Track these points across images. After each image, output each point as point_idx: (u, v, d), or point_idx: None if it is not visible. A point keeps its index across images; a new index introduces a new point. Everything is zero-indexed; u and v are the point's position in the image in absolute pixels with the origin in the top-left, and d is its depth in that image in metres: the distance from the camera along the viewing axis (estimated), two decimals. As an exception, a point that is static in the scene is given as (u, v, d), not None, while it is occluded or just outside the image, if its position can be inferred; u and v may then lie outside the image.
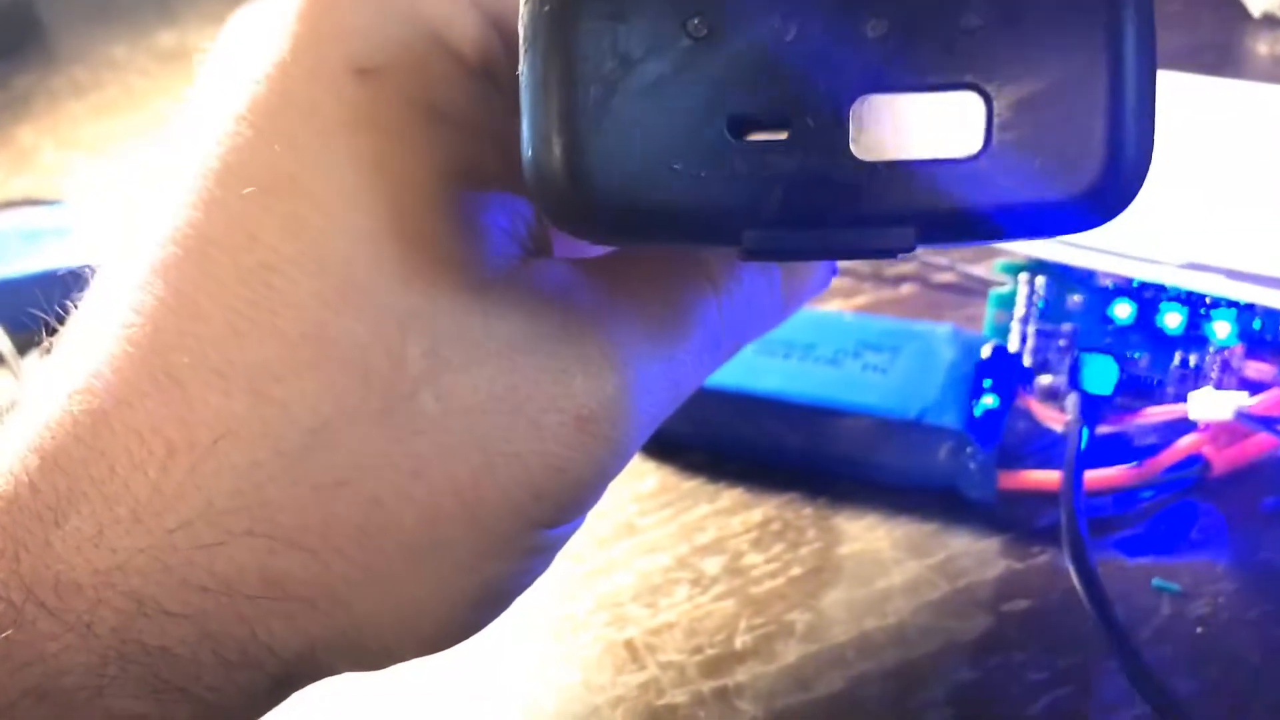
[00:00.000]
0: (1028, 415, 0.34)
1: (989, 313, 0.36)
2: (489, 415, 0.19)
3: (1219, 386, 0.33)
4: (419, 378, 0.18)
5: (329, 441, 0.18)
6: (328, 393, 0.18)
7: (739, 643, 0.30)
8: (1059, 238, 0.33)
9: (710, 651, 0.30)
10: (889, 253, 0.18)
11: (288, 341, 0.18)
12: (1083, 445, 0.30)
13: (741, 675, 0.29)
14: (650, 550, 0.33)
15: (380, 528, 0.19)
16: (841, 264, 0.42)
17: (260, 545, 0.18)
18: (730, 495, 0.34)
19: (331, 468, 0.18)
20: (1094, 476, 0.31)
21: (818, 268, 0.25)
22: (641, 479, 0.35)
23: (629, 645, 0.30)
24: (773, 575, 0.32)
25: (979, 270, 0.39)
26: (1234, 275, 0.33)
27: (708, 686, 0.29)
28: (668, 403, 0.22)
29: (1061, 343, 0.35)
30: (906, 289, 0.41)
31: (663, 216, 0.17)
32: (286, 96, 0.18)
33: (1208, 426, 0.32)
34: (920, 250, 0.18)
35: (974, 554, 0.32)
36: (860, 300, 0.41)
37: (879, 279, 0.42)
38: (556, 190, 0.17)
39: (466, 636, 0.21)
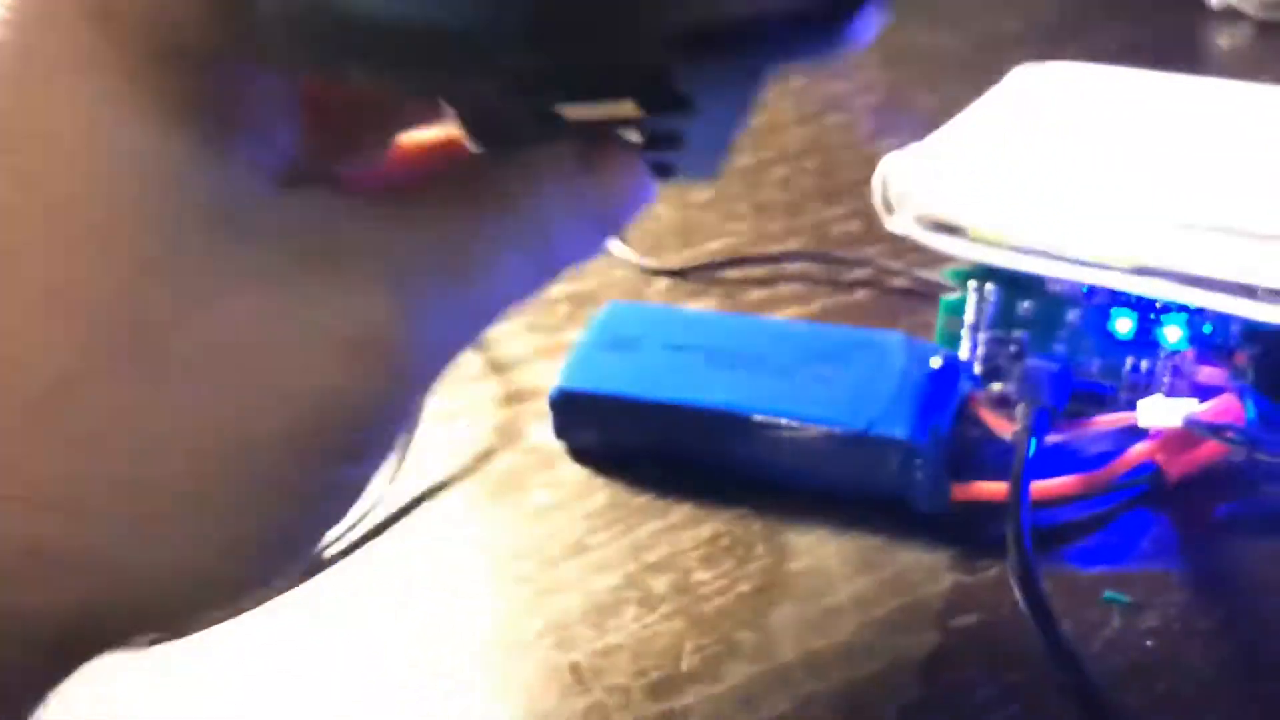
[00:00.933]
0: (980, 424, 0.33)
1: (940, 320, 0.36)
2: (250, 351, 0.18)
3: (1170, 392, 0.33)
4: (168, 321, 0.17)
5: (77, 394, 0.17)
6: (70, 344, 0.17)
7: (686, 664, 0.30)
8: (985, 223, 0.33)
9: (656, 674, 0.29)
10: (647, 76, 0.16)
11: (24, 295, 0.17)
12: (1031, 454, 0.30)
13: (688, 698, 0.29)
14: (599, 569, 0.32)
15: (144, 480, 0.18)
16: (795, 269, 0.42)
17: (12, 509, 0.17)
18: (680, 511, 0.34)
19: (83, 421, 0.17)
20: (1044, 487, 0.31)
21: (630, 177, 0.22)
22: (591, 496, 0.34)
23: (574, 669, 0.30)
24: (721, 593, 0.31)
25: (933, 275, 0.39)
26: (1184, 279, 0.32)
27: (653, 710, 0.29)
28: (468, 330, 0.21)
29: (1013, 350, 0.35)
30: (861, 295, 0.41)
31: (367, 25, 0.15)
32: (15, 43, 0.17)
33: (1158, 434, 0.31)
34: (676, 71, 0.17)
35: (923, 568, 0.31)
36: (814, 307, 0.41)
37: (834, 284, 0.41)
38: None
39: (263, 587, 0.21)
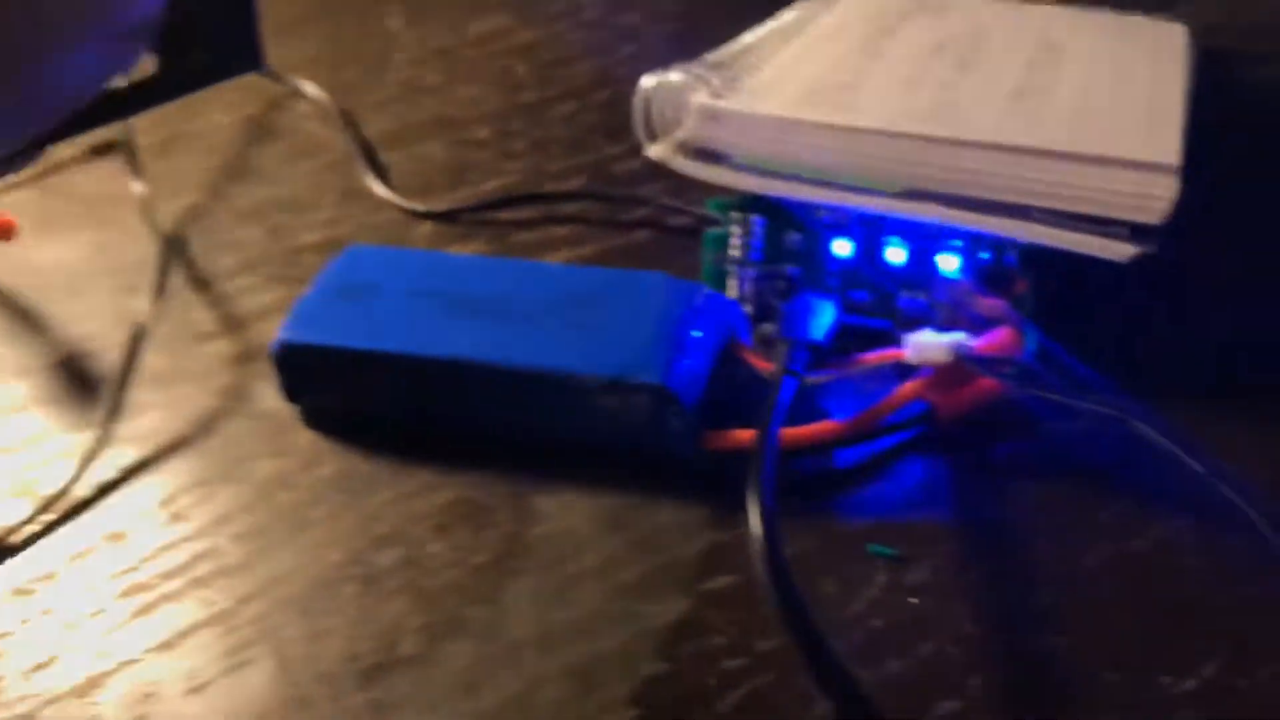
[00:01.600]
0: (747, 369, 0.30)
1: (705, 256, 0.33)
2: None
3: (949, 325, 0.31)
4: None
5: None
6: None
7: (404, 647, 0.26)
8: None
9: (370, 659, 0.26)
10: None
11: None
12: (787, 397, 0.27)
13: (402, 685, 0.25)
14: (321, 546, 0.29)
15: None
16: (571, 209, 0.39)
17: None
18: (417, 477, 0.30)
19: None
20: (803, 432, 0.28)
21: None
22: (319, 466, 0.31)
23: (282, 659, 0.26)
24: (453, 565, 0.28)
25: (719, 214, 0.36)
26: (957, 202, 0.30)
27: (361, 700, 0.25)
28: None
29: (782, 286, 0.32)
30: (641, 235, 0.38)
31: None
32: None
33: (928, 371, 0.29)
34: None
35: (677, 527, 0.28)
36: (589, 249, 0.37)
37: (613, 225, 0.38)
38: None
39: None
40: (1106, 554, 0.27)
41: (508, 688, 0.25)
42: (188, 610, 0.27)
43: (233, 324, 0.36)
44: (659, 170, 0.34)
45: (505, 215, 0.39)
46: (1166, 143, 0.30)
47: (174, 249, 0.38)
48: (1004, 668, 0.25)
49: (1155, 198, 0.28)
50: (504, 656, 0.26)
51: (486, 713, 0.25)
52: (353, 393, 0.31)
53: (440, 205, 0.39)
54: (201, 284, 0.37)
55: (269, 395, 0.32)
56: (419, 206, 0.39)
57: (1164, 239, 0.29)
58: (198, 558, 0.29)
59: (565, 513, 0.29)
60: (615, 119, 0.43)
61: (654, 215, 0.38)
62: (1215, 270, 0.35)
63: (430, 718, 0.25)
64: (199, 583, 0.28)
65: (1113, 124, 0.31)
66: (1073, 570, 0.27)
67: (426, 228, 0.39)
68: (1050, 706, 0.24)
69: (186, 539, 0.29)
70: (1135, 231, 0.28)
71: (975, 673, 0.25)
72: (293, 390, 0.32)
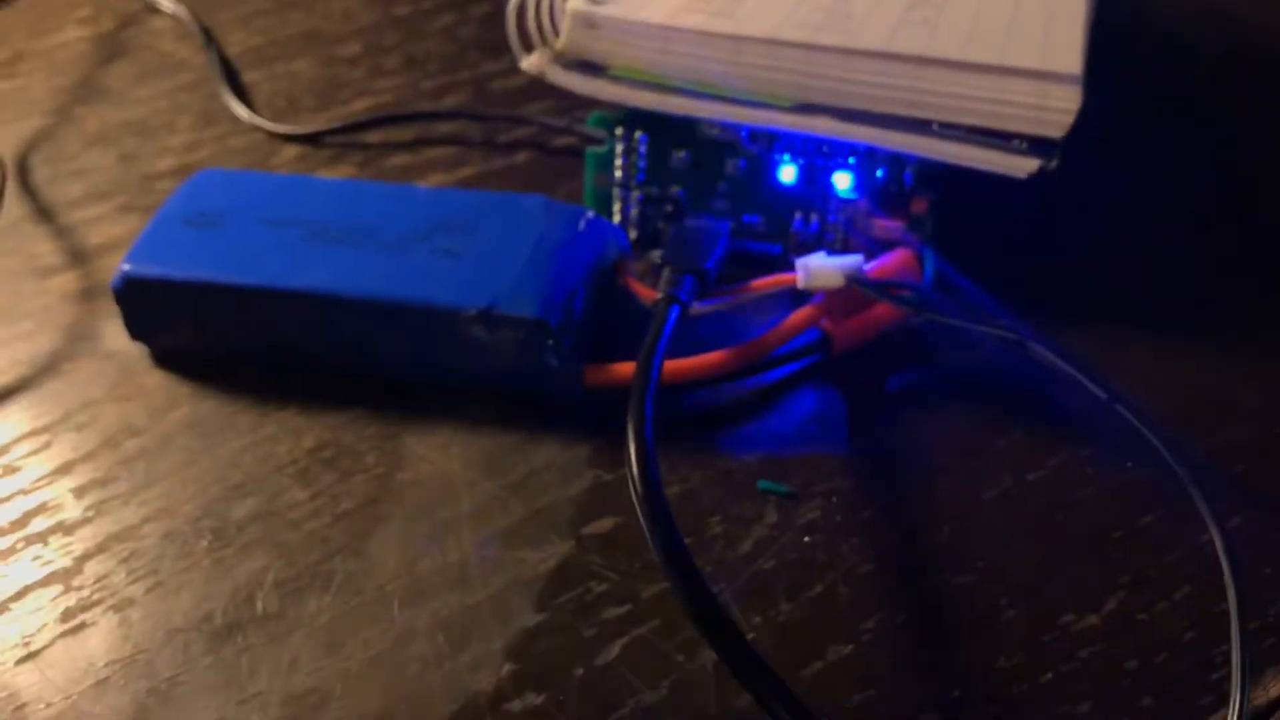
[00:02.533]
0: (631, 297, 0.28)
1: (587, 178, 0.30)
2: None
3: (844, 249, 0.29)
4: None
5: None
6: None
7: (260, 605, 0.24)
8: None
9: (224, 619, 0.24)
10: None
11: None
12: (669, 326, 0.25)
13: (259, 644, 0.23)
14: (170, 498, 0.26)
15: None
16: (448, 129, 0.36)
17: None
18: (279, 420, 0.28)
19: None
20: (689, 364, 0.26)
21: None
22: (169, 410, 0.28)
23: (126, 621, 0.24)
24: (316, 515, 0.26)
25: (599, 133, 0.33)
26: (851, 116, 0.28)
27: (208, 661, 0.23)
28: None
29: (668, 209, 0.30)
30: (520, 156, 0.35)
31: None
32: None
33: (820, 296, 0.27)
34: None
35: (558, 467, 0.27)
36: (467, 172, 0.35)
37: (490, 146, 0.36)
38: None
39: None
40: (1006, 485, 0.26)
41: (374, 644, 0.23)
42: (21, 570, 0.25)
43: (78, 257, 0.33)
44: (542, 88, 0.32)
45: (377, 137, 0.36)
46: (1068, 52, 0.28)
47: (15, 176, 0.35)
48: (900, 608, 0.24)
49: (1056, 110, 0.27)
50: (369, 611, 0.24)
51: (351, 671, 0.23)
52: (204, 330, 0.29)
53: (307, 127, 0.36)
54: (45, 214, 0.34)
55: (117, 334, 0.30)
56: (283, 129, 0.36)
57: (1065, 154, 0.27)
58: (33, 512, 0.26)
59: (438, 455, 0.27)
60: (495, 33, 0.40)
61: (536, 136, 0.36)
62: (1119, 189, 0.34)
63: (290, 679, 0.23)
64: (34, 540, 0.26)
65: (1012, 33, 0.29)
66: (971, 504, 0.25)
67: (291, 152, 0.36)
68: (949, 647, 0.23)
69: (21, 492, 0.26)
70: (1035, 146, 0.27)
71: (869, 614, 0.23)
72: (138, 328, 0.29)
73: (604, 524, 0.25)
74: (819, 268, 0.26)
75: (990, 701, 0.22)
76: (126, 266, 0.28)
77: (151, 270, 0.28)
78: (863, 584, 0.24)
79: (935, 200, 0.28)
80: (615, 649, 0.23)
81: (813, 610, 0.24)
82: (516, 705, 0.22)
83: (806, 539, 0.25)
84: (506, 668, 0.23)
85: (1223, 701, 0.22)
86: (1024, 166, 0.27)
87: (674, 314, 0.26)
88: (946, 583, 0.24)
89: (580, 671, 0.23)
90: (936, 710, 0.22)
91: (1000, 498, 0.26)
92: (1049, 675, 0.23)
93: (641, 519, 0.21)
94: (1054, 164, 0.27)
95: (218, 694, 0.23)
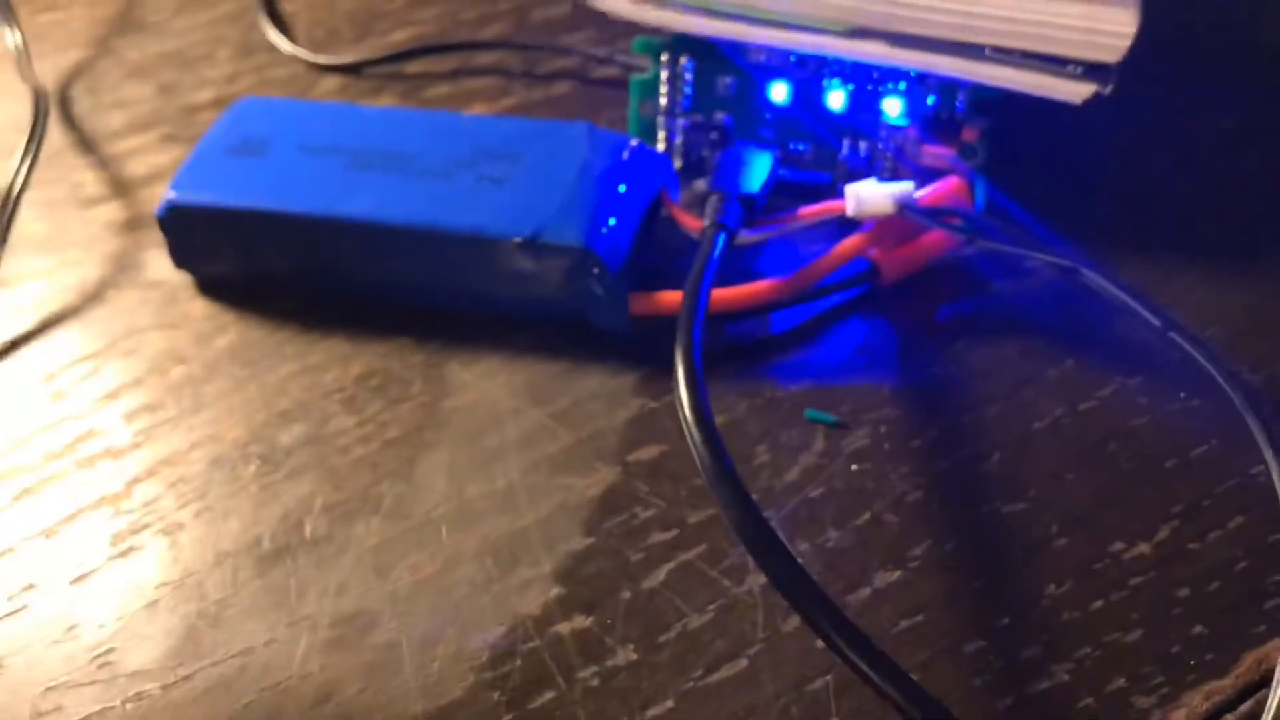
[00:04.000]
0: (676, 226, 0.28)
1: (632, 105, 0.30)
2: None
3: (893, 178, 0.29)
4: None
5: None
6: None
7: (309, 529, 0.24)
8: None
9: (272, 543, 0.24)
10: None
11: None
12: (717, 254, 0.25)
13: (306, 569, 0.24)
14: (217, 424, 0.26)
15: None
16: (488, 60, 0.36)
17: None
18: (325, 347, 0.28)
19: None
20: (736, 293, 0.26)
21: None
22: (215, 337, 0.28)
23: (175, 545, 0.24)
24: (364, 441, 0.26)
25: (643, 60, 0.33)
26: (901, 40, 0.27)
27: (261, 584, 0.23)
28: None
29: (714, 136, 0.30)
30: (561, 87, 0.35)
31: None
32: None
33: (870, 225, 0.27)
34: None
35: (604, 396, 0.26)
36: (508, 103, 0.35)
37: (530, 76, 0.35)
38: None
39: None
40: (1057, 415, 0.26)
41: (422, 568, 0.23)
42: (71, 494, 0.25)
43: (121, 187, 0.33)
44: (583, 17, 0.32)
45: (416, 68, 0.36)
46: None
47: (58, 107, 0.35)
48: (948, 536, 0.23)
49: (1112, 33, 0.26)
50: (417, 535, 0.24)
51: (399, 594, 0.23)
52: (249, 258, 0.29)
53: (346, 58, 0.36)
54: (87, 145, 0.34)
55: (161, 263, 0.30)
56: (323, 59, 0.36)
57: (1121, 79, 0.27)
58: (82, 438, 0.26)
59: (484, 383, 0.27)
60: (536, -37, 0.40)
61: (578, 66, 0.35)
62: (1175, 114, 0.33)
63: (339, 601, 0.23)
64: (84, 464, 0.26)
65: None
66: (1022, 433, 0.25)
67: (332, 83, 0.36)
68: (998, 575, 0.23)
69: (70, 418, 0.27)
70: (1091, 70, 0.26)
71: (917, 542, 0.23)
72: (183, 256, 0.29)
73: (650, 451, 0.25)
74: (868, 195, 0.26)
75: (1040, 629, 0.22)
76: (171, 194, 0.28)
77: (196, 198, 0.28)
78: (911, 512, 0.24)
79: (987, 127, 0.28)
80: (662, 573, 0.23)
81: (860, 537, 0.24)
82: (564, 627, 0.22)
83: (854, 467, 0.25)
84: (554, 591, 0.23)
85: (1276, 630, 0.22)
86: (1079, 92, 0.26)
87: (721, 241, 0.25)
88: (996, 511, 0.24)
89: (627, 595, 0.23)
90: (985, 637, 0.22)
91: (1052, 427, 0.25)
92: (1099, 603, 0.22)
93: (690, 443, 0.21)
94: (1110, 89, 0.26)
95: (267, 616, 0.23)
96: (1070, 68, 0.27)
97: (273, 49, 0.37)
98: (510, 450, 0.25)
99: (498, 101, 0.35)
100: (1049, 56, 0.27)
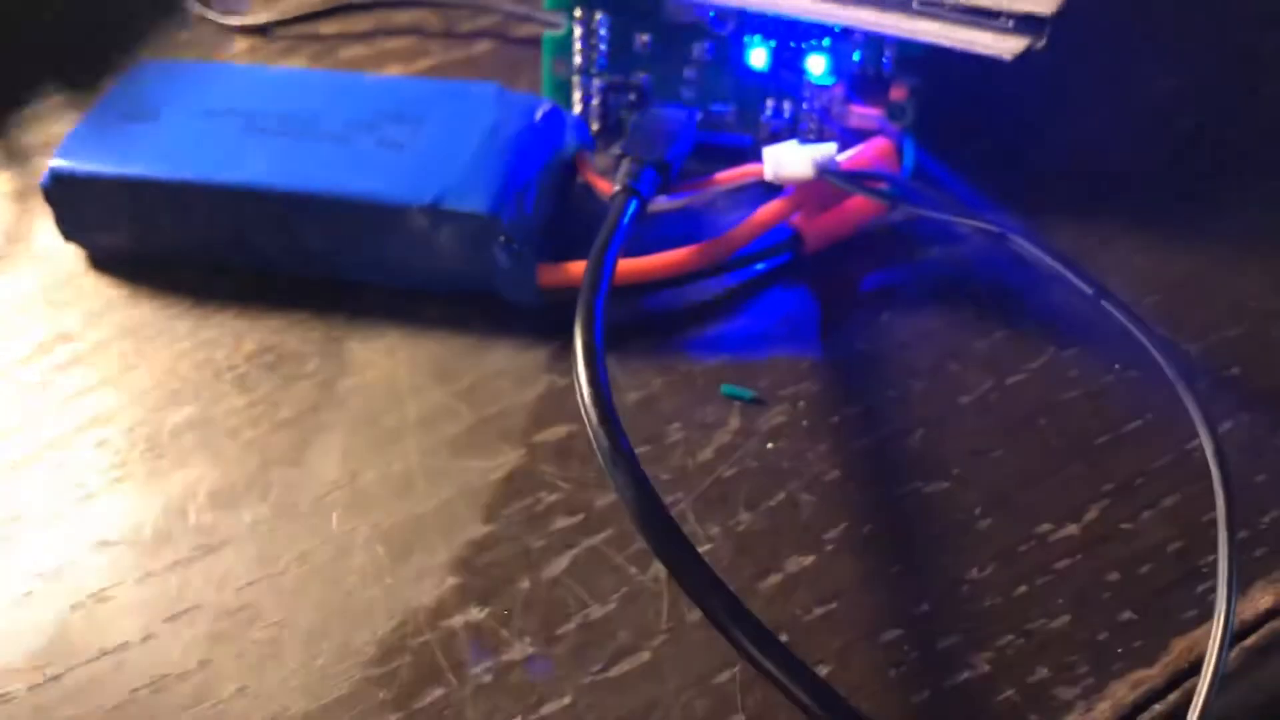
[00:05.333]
0: (592, 194, 0.27)
1: (545, 64, 0.29)
2: None
3: (819, 139, 0.27)
4: None
5: None
6: None
7: (192, 519, 0.23)
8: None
9: (151, 532, 0.23)
10: None
11: None
12: (625, 221, 0.24)
13: (189, 558, 0.22)
14: (102, 406, 0.25)
15: None
16: (406, 19, 0.34)
17: None
18: (217, 324, 0.26)
19: None
20: (651, 263, 0.25)
21: None
22: (106, 312, 0.27)
23: (50, 535, 0.23)
24: (254, 423, 0.24)
25: (557, 17, 0.31)
26: (824, -5, 0.26)
27: (137, 575, 0.22)
28: None
29: (632, 98, 0.28)
30: (481, 46, 0.33)
31: None
32: None
33: (791, 190, 0.25)
34: None
35: (511, 373, 0.25)
36: (425, 63, 0.33)
37: (450, 36, 0.34)
38: None
39: None
40: (984, 389, 0.24)
41: (310, 558, 0.22)
42: (-57, 482, 0.24)
43: (14, 156, 0.31)
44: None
45: (332, 28, 0.34)
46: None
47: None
48: (866, 518, 0.22)
49: (1046, -14, 0.25)
50: (302, 527, 0.23)
51: (286, 586, 0.22)
52: (139, 228, 0.27)
53: (258, 18, 0.34)
54: (-19, 112, 0.32)
55: (50, 236, 0.28)
56: (233, 21, 0.34)
57: (1055, 34, 0.25)
58: (-43, 422, 0.25)
59: (385, 360, 0.25)
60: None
61: (498, 25, 0.34)
62: (1111, 73, 0.32)
63: (222, 593, 0.22)
64: (-43, 450, 0.24)
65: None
66: (947, 408, 0.24)
67: (242, 45, 0.34)
68: (917, 558, 0.22)
69: (-54, 401, 0.25)
70: (1023, 24, 0.25)
71: (833, 524, 0.22)
72: (71, 228, 0.27)
73: (557, 431, 0.24)
74: (788, 158, 0.25)
75: (960, 616, 0.21)
76: (55, 163, 0.27)
77: (80, 167, 0.27)
78: (828, 492, 0.23)
79: (916, 86, 0.26)
80: (565, 561, 0.22)
81: (773, 520, 0.22)
82: (458, 620, 0.21)
83: (770, 445, 0.23)
84: (450, 581, 0.22)
85: (1208, 615, 0.21)
86: (1010, 47, 0.25)
87: (631, 208, 0.24)
88: (917, 491, 0.23)
89: (526, 585, 0.21)
90: (902, 625, 0.21)
91: (978, 402, 0.24)
92: (1023, 588, 0.21)
93: (586, 422, 0.20)
94: (1043, 44, 0.25)
95: (146, 609, 0.22)
96: (1002, 20, 0.25)
97: (179, 8, 0.35)
98: (410, 431, 0.24)
99: (415, 62, 0.33)
100: (980, 9, 0.25)
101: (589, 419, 0.20)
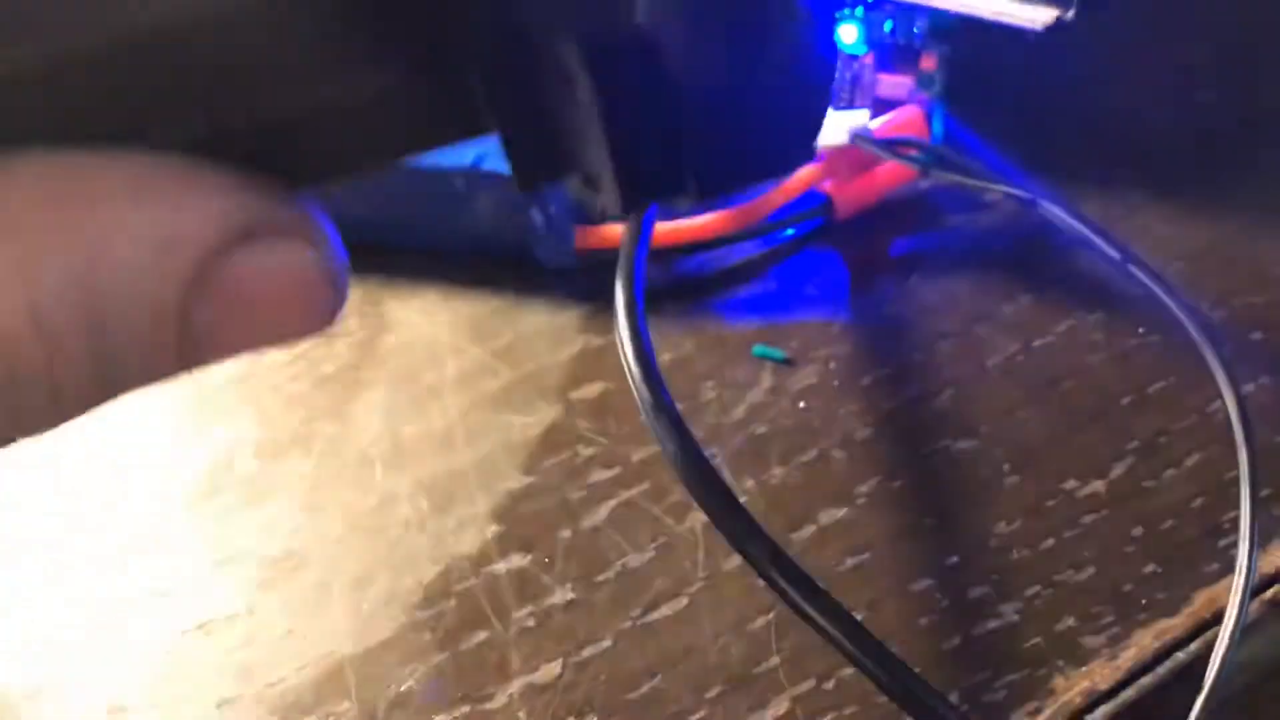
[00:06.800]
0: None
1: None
2: None
3: (850, 107, 0.28)
4: None
5: None
6: None
7: (241, 469, 0.24)
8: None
9: (194, 486, 0.23)
10: None
11: None
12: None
13: (235, 507, 0.23)
14: (150, 358, 0.26)
15: None
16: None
17: None
18: (259, 282, 0.27)
19: None
20: (683, 227, 0.25)
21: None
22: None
23: (103, 484, 0.23)
24: (296, 379, 0.25)
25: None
26: (857, -35, 0.26)
27: (187, 521, 0.23)
28: None
29: (665, 65, 0.29)
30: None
31: None
32: None
33: (823, 156, 0.26)
34: None
35: (548, 333, 0.26)
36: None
37: None
38: None
39: None
40: (1012, 351, 0.25)
41: (355, 506, 0.23)
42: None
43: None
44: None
45: None
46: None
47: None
48: (897, 473, 0.23)
49: (1076, -43, 0.25)
50: (349, 475, 0.23)
51: (330, 534, 0.22)
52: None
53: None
54: None
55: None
56: None
57: (1083, 5, 0.26)
58: None
59: (424, 320, 0.26)
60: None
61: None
62: (1141, 44, 0.32)
63: (267, 541, 0.22)
64: None
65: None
66: (976, 370, 0.25)
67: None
68: (947, 513, 0.22)
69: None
70: (1053, -5, 0.25)
71: (865, 479, 0.23)
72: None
73: (593, 389, 0.24)
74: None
75: (989, 568, 0.21)
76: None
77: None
78: (859, 449, 0.23)
79: (946, 55, 0.27)
80: (603, 512, 0.22)
81: (806, 475, 0.23)
82: (501, 567, 0.22)
83: (802, 404, 0.24)
84: (491, 530, 0.22)
85: (1230, 568, 0.21)
86: (1039, 17, 0.25)
87: (667, 170, 0.24)
88: (946, 448, 0.23)
89: (567, 534, 0.22)
90: (933, 575, 0.21)
91: (1005, 364, 0.25)
92: (1050, 541, 0.22)
93: (629, 378, 0.21)
94: (1071, 14, 0.25)
95: (194, 554, 0.22)
96: (1031, -8, 0.26)
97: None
98: (449, 389, 0.25)
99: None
100: (1009, -18, 0.26)
101: (631, 374, 0.21)
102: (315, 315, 0.12)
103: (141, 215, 0.10)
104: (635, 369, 0.20)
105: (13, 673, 0.21)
